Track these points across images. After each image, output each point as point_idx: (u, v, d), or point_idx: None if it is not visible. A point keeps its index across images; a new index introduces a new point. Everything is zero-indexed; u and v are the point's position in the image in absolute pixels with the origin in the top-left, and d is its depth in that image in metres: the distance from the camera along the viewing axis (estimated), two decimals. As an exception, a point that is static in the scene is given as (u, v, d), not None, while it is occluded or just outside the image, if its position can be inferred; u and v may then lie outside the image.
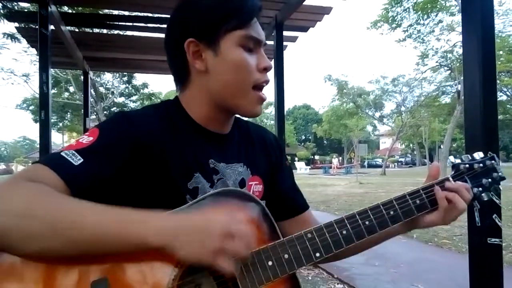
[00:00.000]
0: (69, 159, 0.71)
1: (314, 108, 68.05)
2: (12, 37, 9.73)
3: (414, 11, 18.03)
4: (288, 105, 66.52)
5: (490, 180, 0.90)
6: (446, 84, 23.22)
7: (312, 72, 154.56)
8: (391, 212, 0.84)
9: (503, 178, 0.91)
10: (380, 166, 38.17)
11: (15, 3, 6.40)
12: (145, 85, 23.08)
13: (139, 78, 23.40)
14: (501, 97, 21.56)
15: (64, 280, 0.64)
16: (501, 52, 16.89)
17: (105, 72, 19.21)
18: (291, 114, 65.12)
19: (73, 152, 0.72)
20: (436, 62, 21.19)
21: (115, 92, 22.04)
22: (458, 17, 17.56)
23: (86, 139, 0.75)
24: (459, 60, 17.76)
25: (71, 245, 0.61)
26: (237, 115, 0.94)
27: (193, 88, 0.87)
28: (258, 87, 0.85)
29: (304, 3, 4.73)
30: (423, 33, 19.25)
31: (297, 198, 1.04)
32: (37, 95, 4.92)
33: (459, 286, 3.38)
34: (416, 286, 3.65)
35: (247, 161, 0.93)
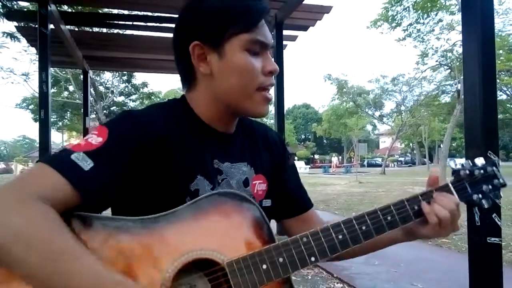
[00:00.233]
0: (80, 164, 0.69)
1: (313, 107, 68.09)
2: (11, 36, 9.72)
3: (414, 10, 17.99)
4: (288, 104, 66.60)
5: (491, 187, 0.89)
6: (446, 83, 23.21)
7: (312, 71, 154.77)
8: (389, 218, 0.83)
9: (504, 185, 0.90)
10: (379, 165, 38.18)
11: (15, 2, 6.39)
12: (144, 84, 23.05)
13: (139, 77, 23.40)
14: (501, 96, 21.56)
15: None
16: (501, 51, 16.88)
17: (105, 71, 19.19)
18: (291, 113, 65.10)
19: (83, 155, 0.71)
20: (436, 61, 21.17)
21: (114, 91, 22.00)
22: (458, 16, 17.54)
23: (96, 140, 0.74)
24: (459, 59, 17.73)
25: (48, 284, 0.61)
26: None
27: (199, 89, 0.88)
28: (262, 88, 0.85)
29: (304, 2, 4.72)
30: (423, 32, 19.22)
31: (301, 196, 1.04)
32: (37, 94, 4.91)
33: (458, 285, 3.37)
34: (416, 286, 3.65)
35: (251, 160, 0.93)
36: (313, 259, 0.77)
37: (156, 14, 5.27)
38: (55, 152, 0.75)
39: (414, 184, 15.75)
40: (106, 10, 7.26)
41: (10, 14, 5.74)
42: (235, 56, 0.81)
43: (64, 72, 19.19)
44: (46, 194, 0.65)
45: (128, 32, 6.48)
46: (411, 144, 53.02)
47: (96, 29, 8.60)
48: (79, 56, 6.81)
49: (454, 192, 0.88)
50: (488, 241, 1.86)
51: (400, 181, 18.23)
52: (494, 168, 0.90)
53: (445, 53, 19.84)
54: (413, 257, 4.68)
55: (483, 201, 0.89)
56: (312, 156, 60.96)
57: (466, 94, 2.08)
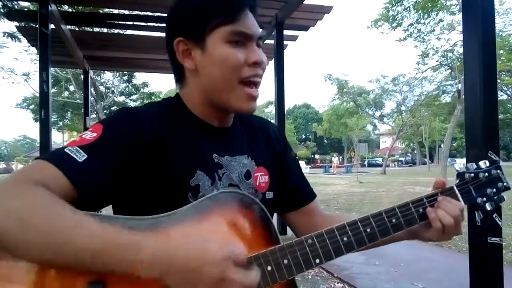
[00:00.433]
0: (73, 155, 0.70)
1: (314, 107, 68.13)
2: (12, 36, 9.73)
3: (415, 10, 18.00)
4: (288, 104, 66.54)
5: (494, 190, 0.89)
6: (446, 83, 23.22)
7: (313, 71, 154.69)
8: (393, 220, 0.83)
9: (508, 188, 0.90)
10: (380, 165, 38.16)
11: (15, 2, 6.40)
12: (145, 84, 23.09)
13: (139, 77, 23.47)
14: (502, 96, 21.58)
15: (60, 280, 0.63)
16: (501, 52, 16.89)
17: (105, 71, 19.21)
18: (291, 113, 65.13)
19: (77, 148, 0.71)
20: (437, 61, 21.19)
21: (115, 91, 22.03)
22: (459, 16, 17.52)
23: (90, 135, 0.74)
24: (459, 59, 17.73)
25: (62, 260, 0.60)
26: None
27: (189, 86, 0.88)
28: (247, 82, 0.83)
29: (305, 2, 4.72)
30: (423, 32, 19.23)
31: (304, 188, 1.03)
32: (37, 94, 4.92)
33: (459, 285, 3.37)
34: (416, 285, 3.65)
35: (251, 153, 0.93)
36: (318, 261, 0.77)
37: (156, 14, 5.27)
38: (52, 150, 0.75)
39: (415, 184, 15.76)
40: (106, 10, 7.26)
41: (11, 14, 5.75)
42: (216, 48, 0.81)
43: (64, 72, 19.22)
44: (43, 181, 0.65)
45: (129, 32, 6.49)
46: (411, 144, 53.03)
47: (96, 29, 8.61)
48: (80, 56, 6.82)
49: (459, 196, 0.87)
50: (489, 241, 1.86)
51: (400, 181, 18.22)
52: (499, 171, 0.90)
53: (445, 53, 19.85)
54: (414, 257, 4.68)
55: (487, 204, 0.88)
56: (312, 156, 60.98)
57: (466, 94, 2.08)
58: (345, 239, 0.79)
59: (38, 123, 4.26)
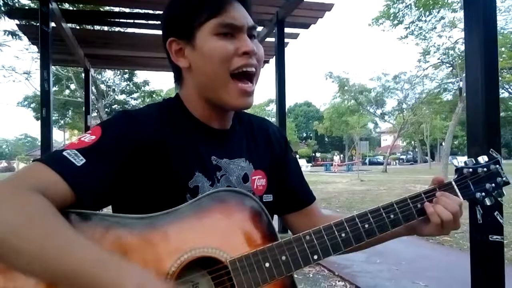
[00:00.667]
0: (72, 159, 0.70)
1: (315, 106, 68.05)
2: (13, 34, 9.73)
3: (416, 8, 17.94)
4: (289, 103, 66.51)
5: (493, 185, 0.89)
6: (447, 81, 23.15)
7: (313, 69, 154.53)
8: (391, 216, 0.83)
9: (507, 183, 0.90)
10: (381, 164, 38.17)
11: (16, 0, 6.40)
12: (146, 83, 23.05)
13: (140, 75, 23.41)
14: (503, 94, 21.51)
15: None
16: (503, 49, 16.82)
17: (106, 69, 19.21)
18: (292, 111, 65.06)
19: (75, 152, 0.71)
20: (438, 59, 21.11)
21: (116, 89, 22.03)
22: (460, 14, 17.45)
23: (89, 138, 0.74)
24: (461, 57, 17.68)
25: (50, 274, 0.60)
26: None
27: (186, 86, 0.88)
28: (240, 76, 0.82)
29: (305, 0, 4.72)
30: (424, 29, 19.15)
31: (303, 190, 1.03)
32: (39, 93, 4.92)
33: (460, 283, 3.37)
34: (418, 284, 3.65)
35: (249, 156, 0.92)
36: (316, 257, 0.77)
37: (157, 12, 5.27)
38: (50, 152, 0.75)
39: (416, 182, 15.74)
40: (107, 8, 7.26)
41: (12, 12, 5.75)
42: (206, 42, 0.80)
43: (65, 70, 19.22)
44: (40, 187, 0.65)
45: (130, 30, 6.49)
46: (412, 142, 52.99)
47: (97, 27, 8.59)
48: (81, 54, 6.82)
49: (458, 191, 0.88)
50: (490, 239, 1.86)
51: (401, 179, 18.22)
52: (498, 166, 0.90)
53: (447, 50, 19.78)
54: (415, 255, 4.68)
55: (486, 199, 0.89)
56: (313, 154, 60.95)
57: (468, 92, 2.07)
58: (343, 235, 0.79)
59: (39, 122, 4.27)
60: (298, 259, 0.76)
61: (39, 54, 4.53)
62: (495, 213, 1.80)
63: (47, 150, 4.08)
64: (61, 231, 0.61)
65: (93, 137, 0.74)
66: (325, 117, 43.49)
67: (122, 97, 23.92)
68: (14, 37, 9.78)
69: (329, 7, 5.24)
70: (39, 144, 4.58)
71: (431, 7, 17.54)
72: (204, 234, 0.73)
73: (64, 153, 0.71)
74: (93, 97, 16.26)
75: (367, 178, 19.64)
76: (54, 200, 0.65)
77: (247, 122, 0.99)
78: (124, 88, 23.28)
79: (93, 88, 15.63)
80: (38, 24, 4.27)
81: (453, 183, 0.88)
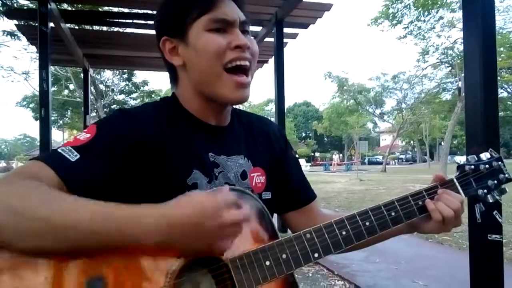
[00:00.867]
0: (66, 155, 0.71)
1: (314, 105, 68.11)
2: (11, 34, 9.72)
3: (415, 8, 17.96)
4: (288, 102, 66.38)
5: (496, 182, 0.88)
6: (446, 81, 23.18)
7: (313, 69, 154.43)
8: (392, 213, 0.83)
9: (509, 180, 0.89)
10: (380, 163, 38.19)
11: (15, 0, 6.39)
12: (145, 83, 23.05)
13: (139, 75, 23.40)
14: (502, 93, 21.56)
15: (58, 277, 0.62)
16: (501, 49, 16.85)
17: (105, 70, 19.20)
18: (292, 111, 65.08)
19: (70, 148, 0.72)
20: (437, 58, 21.15)
21: (115, 89, 22.00)
22: (459, 14, 17.48)
23: (84, 136, 0.75)
24: (459, 57, 17.70)
25: (65, 243, 0.60)
26: (234, 106, 0.93)
27: (182, 84, 0.89)
28: (234, 69, 0.82)
29: (304, 0, 4.72)
30: (423, 29, 19.18)
31: (304, 188, 1.03)
32: (37, 93, 4.91)
33: (459, 282, 3.38)
34: (417, 283, 3.65)
35: (248, 153, 0.92)
36: (316, 255, 0.77)
37: (155, 12, 5.27)
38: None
39: (415, 181, 15.75)
40: (106, 8, 7.26)
41: (10, 13, 5.74)
42: (198, 38, 0.81)
43: (64, 71, 19.20)
44: (36, 178, 0.66)
45: (129, 30, 6.48)
46: (412, 142, 52.98)
47: (96, 27, 8.59)
48: (79, 54, 6.81)
49: (459, 188, 0.87)
50: (489, 238, 1.86)
51: (401, 179, 18.22)
52: (500, 162, 0.90)
53: (446, 50, 19.82)
54: (414, 254, 4.69)
55: (488, 196, 0.88)
56: (312, 154, 60.97)
57: (467, 92, 2.08)
58: (343, 233, 0.79)
59: (38, 122, 4.26)
60: (299, 257, 0.76)
61: (37, 54, 4.52)
62: (494, 212, 1.81)
63: (46, 150, 4.07)
64: (63, 201, 0.63)
65: (88, 135, 0.75)
66: (324, 117, 43.53)
67: (121, 97, 23.90)
68: (12, 37, 9.79)
69: (328, 7, 5.24)
70: (38, 144, 4.57)
71: (430, 7, 17.57)
72: None
73: (59, 150, 0.72)
74: (92, 97, 16.24)
75: (366, 178, 19.64)
76: None
77: (246, 120, 0.99)
78: (123, 88, 23.27)
79: (92, 88, 15.61)
80: (36, 24, 4.27)
81: (455, 180, 0.88)
